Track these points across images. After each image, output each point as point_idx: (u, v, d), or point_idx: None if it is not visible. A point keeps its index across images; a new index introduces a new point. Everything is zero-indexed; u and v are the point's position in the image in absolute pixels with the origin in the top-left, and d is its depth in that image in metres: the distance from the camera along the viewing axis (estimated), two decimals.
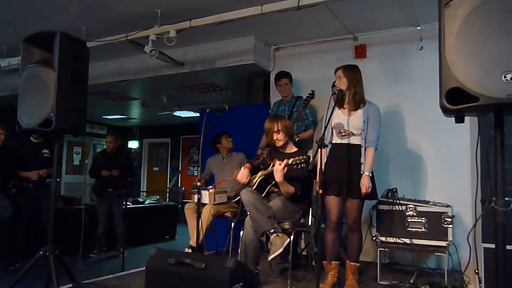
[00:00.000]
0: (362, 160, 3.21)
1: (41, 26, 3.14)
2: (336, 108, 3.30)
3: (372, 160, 3.21)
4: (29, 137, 5.22)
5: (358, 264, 3.33)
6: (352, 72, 3.32)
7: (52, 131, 2.80)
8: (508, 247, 1.75)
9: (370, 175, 3.19)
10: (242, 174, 3.65)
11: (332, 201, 3.24)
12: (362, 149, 3.24)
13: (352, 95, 3.27)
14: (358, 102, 3.28)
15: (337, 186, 3.22)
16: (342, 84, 3.29)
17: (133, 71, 6.14)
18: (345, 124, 3.28)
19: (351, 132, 3.27)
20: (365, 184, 3.15)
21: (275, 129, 3.58)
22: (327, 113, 3.23)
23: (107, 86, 6.80)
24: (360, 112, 3.27)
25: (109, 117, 10.54)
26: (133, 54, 5.55)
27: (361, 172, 3.18)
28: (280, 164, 3.31)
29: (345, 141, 3.28)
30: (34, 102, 2.85)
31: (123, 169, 6.20)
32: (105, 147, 6.68)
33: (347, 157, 3.25)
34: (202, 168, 3.96)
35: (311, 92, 4.32)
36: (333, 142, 3.31)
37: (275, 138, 3.60)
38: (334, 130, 3.32)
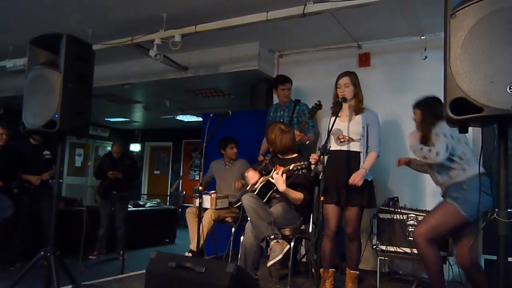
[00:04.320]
0: (361, 166, 3.23)
1: (48, 28, 3.16)
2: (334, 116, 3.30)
3: (372, 162, 3.23)
4: (29, 138, 5.23)
5: (357, 272, 3.34)
6: (357, 79, 3.37)
7: (56, 133, 2.81)
8: (510, 259, 1.75)
9: (367, 172, 3.19)
10: (252, 175, 3.65)
11: (331, 210, 3.23)
12: (362, 156, 3.25)
13: (357, 102, 3.29)
14: (361, 108, 3.32)
15: (336, 194, 3.21)
16: (349, 91, 3.30)
17: (137, 75, 6.16)
18: (344, 130, 3.29)
19: (350, 138, 3.27)
20: (356, 176, 3.14)
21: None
22: (329, 121, 3.22)
23: (111, 89, 6.82)
24: (359, 118, 3.29)
25: (111, 119, 10.57)
26: (137, 57, 5.57)
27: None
28: (277, 174, 3.30)
29: (344, 147, 3.29)
30: (39, 103, 2.87)
31: (128, 172, 6.22)
32: (108, 149, 6.73)
33: (346, 164, 3.24)
34: (204, 173, 3.96)
35: (317, 103, 4.22)
36: (332, 149, 3.28)
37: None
38: (332, 136, 3.32)
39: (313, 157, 3.23)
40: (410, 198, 4.31)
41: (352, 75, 3.36)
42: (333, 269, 3.34)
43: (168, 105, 8.02)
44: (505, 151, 1.75)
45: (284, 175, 3.30)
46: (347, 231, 3.29)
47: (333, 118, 3.17)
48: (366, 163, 3.22)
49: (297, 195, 3.38)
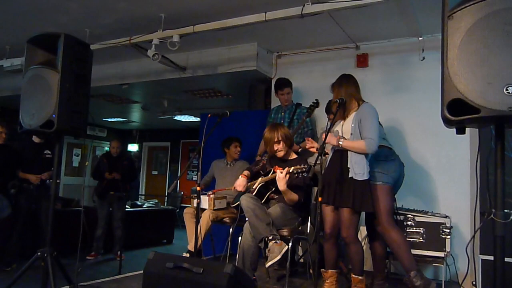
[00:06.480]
0: (348, 165, 3.06)
1: (45, 27, 3.16)
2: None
3: (354, 145, 3.05)
4: (31, 137, 5.21)
5: (360, 277, 3.15)
6: (342, 80, 3.30)
7: (53, 132, 2.80)
8: (506, 259, 1.75)
9: (341, 143, 3.07)
10: (239, 183, 3.63)
11: (327, 211, 3.20)
12: (349, 154, 3.08)
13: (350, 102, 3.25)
14: (347, 109, 3.21)
15: (328, 195, 3.14)
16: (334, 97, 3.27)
17: (135, 75, 6.16)
18: (340, 130, 3.25)
19: (343, 137, 3.16)
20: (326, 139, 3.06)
21: (276, 139, 3.54)
22: (328, 121, 3.21)
23: (108, 89, 6.82)
24: (352, 115, 3.16)
25: (109, 119, 10.55)
26: (135, 57, 5.57)
27: (349, 176, 3.04)
28: (281, 172, 3.28)
29: (339, 148, 3.25)
30: (37, 103, 2.86)
31: (126, 173, 6.21)
32: (106, 149, 6.70)
33: (338, 164, 3.16)
34: (202, 173, 3.96)
35: (315, 101, 4.22)
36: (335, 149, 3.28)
37: (275, 148, 3.56)
38: None
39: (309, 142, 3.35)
40: (408, 199, 4.31)
41: (337, 81, 3.31)
42: (334, 270, 3.27)
43: (166, 105, 8.02)
44: (502, 152, 1.76)
45: (288, 176, 3.28)
46: (341, 234, 3.15)
47: (331, 119, 3.16)
48: (347, 141, 3.08)
49: (292, 196, 3.38)
